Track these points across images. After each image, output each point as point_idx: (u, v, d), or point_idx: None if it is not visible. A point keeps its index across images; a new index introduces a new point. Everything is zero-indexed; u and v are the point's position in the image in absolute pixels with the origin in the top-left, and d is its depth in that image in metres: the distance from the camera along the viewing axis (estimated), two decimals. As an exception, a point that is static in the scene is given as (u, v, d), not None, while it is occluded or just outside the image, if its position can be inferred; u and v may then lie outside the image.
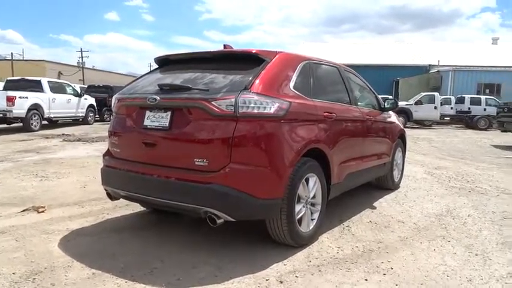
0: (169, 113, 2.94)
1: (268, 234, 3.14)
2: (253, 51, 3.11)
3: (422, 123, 21.87)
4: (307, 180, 3.15)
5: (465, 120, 21.46)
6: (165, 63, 3.65)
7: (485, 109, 21.35)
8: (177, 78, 3.21)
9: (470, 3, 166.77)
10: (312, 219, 3.30)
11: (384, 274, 2.73)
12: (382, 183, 5.26)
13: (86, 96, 16.25)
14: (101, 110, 17.95)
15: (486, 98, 22.19)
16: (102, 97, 18.28)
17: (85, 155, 7.98)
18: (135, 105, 3.19)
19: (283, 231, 2.99)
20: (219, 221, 2.75)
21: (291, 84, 3.14)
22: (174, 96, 2.94)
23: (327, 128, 3.40)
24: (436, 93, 21.31)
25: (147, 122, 3.05)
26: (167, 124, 2.93)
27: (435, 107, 20.51)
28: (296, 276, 2.66)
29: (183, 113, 2.88)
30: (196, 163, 2.75)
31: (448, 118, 21.92)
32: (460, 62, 31.69)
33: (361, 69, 31.55)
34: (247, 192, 2.70)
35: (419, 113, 20.65)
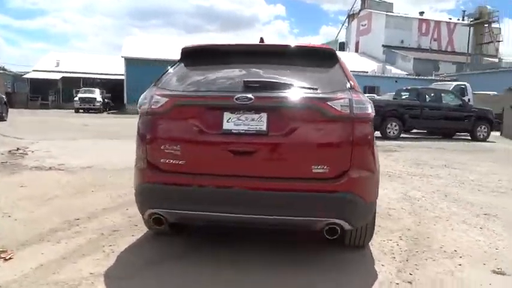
0: (264, 114, 2.50)
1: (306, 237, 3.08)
2: (329, 48, 2.92)
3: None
4: None
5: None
6: (196, 54, 3.03)
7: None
8: (242, 73, 2.75)
9: (266, 11, 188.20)
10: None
11: (470, 255, 3.03)
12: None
13: None
14: None
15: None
16: None
17: None
18: (208, 105, 2.58)
19: (366, 234, 2.94)
20: (340, 232, 2.53)
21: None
22: (277, 95, 2.52)
23: None
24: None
25: (228, 126, 2.52)
26: (264, 128, 2.49)
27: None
28: (410, 274, 2.69)
29: (284, 114, 2.50)
30: (315, 171, 2.44)
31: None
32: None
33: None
34: (364, 197, 2.56)
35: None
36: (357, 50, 47.64)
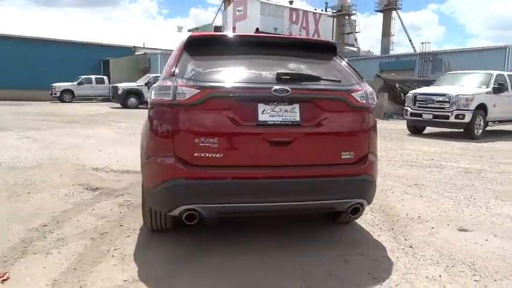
0: (296, 105, 2.61)
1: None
2: (332, 42, 3.13)
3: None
4: None
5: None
6: (205, 44, 2.94)
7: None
8: (264, 64, 2.79)
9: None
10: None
11: (433, 219, 3.64)
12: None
13: None
14: None
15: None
16: None
17: None
18: (243, 97, 2.55)
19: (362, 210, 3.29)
20: (361, 211, 2.83)
21: None
22: (309, 87, 2.64)
23: None
24: (160, 74, 22.68)
25: (264, 117, 2.56)
26: (298, 118, 2.60)
27: (163, 88, 21.94)
28: (405, 240, 3.15)
29: (314, 106, 2.65)
30: (343, 157, 2.68)
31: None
32: (155, 45, 34.22)
33: (65, 46, 29.06)
34: (376, 178, 2.90)
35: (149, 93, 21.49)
36: (234, 35, 48.61)
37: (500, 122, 11.35)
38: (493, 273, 2.58)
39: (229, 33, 3.03)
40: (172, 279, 2.44)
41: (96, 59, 31.29)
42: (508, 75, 11.43)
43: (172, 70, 2.68)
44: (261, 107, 2.57)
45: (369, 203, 2.90)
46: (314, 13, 50.48)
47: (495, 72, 11.29)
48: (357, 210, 2.82)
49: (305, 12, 49.70)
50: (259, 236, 3.18)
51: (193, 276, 2.50)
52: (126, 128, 11.06)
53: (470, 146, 8.86)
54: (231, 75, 2.68)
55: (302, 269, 2.61)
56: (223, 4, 54.06)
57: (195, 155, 2.50)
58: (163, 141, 2.56)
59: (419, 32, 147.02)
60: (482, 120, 10.34)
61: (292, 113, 2.61)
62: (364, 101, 2.77)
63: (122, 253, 2.80)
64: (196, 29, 59.00)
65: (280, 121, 2.59)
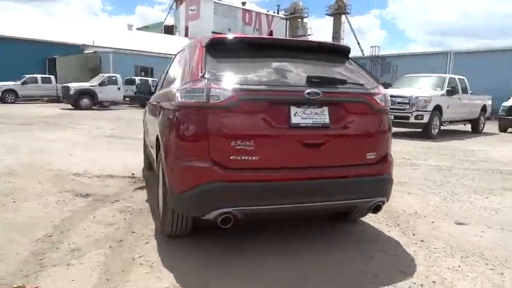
0: (325, 108, 2.69)
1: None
2: (347, 46, 3.24)
3: (101, 104, 21.83)
4: None
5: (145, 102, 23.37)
6: (227, 46, 2.92)
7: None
8: (283, 67, 2.85)
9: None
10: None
11: (430, 215, 3.87)
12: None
13: None
14: None
15: (152, 80, 24.89)
16: None
17: None
18: (276, 99, 2.58)
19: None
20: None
21: None
22: (338, 90, 2.72)
23: None
24: (118, 75, 21.91)
25: (296, 120, 2.61)
26: (327, 121, 2.68)
27: (118, 88, 21.20)
28: (413, 235, 3.33)
29: (341, 108, 2.74)
30: (368, 157, 2.79)
31: (128, 99, 23.06)
32: (106, 44, 32.95)
33: (4, 43, 27.08)
34: (392, 176, 3.05)
35: (103, 94, 20.66)
36: (186, 35, 48.05)
37: (451, 122, 12.22)
38: (503, 262, 2.82)
39: (249, 36, 3.05)
40: (217, 283, 2.42)
41: (40, 57, 29.52)
42: (458, 78, 12.33)
43: (202, 72, 2.65)
44: (293, 109, 2.62)
45: (387, 201, 3.05)
46: (267, 15, 51.15)
47: (448, 76, 12.16)
48: (379, 208, 2.95)
49: (258, 13, 50.23)
50: (283, 238, 3.22)
51: (232, 279, 2.49)
52: (88, 131, 10.62)
53: (430, 145, 9.46)
54: (262, 77, 2.70)
55: (335, 267, 2.69)
56: (174, 3, 53.14)
57: (231, 157, 2.49)
58: (196, 144, 2.53)
59: (363, 35, 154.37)
60: (438, 121, 11.06)
61: (321, 116, 2.68)
62: (384, 104, 2.91)
63: (148, 260, 2.72)
64: (146, 27, 57.54)
65: (312, 123, 2.65)
